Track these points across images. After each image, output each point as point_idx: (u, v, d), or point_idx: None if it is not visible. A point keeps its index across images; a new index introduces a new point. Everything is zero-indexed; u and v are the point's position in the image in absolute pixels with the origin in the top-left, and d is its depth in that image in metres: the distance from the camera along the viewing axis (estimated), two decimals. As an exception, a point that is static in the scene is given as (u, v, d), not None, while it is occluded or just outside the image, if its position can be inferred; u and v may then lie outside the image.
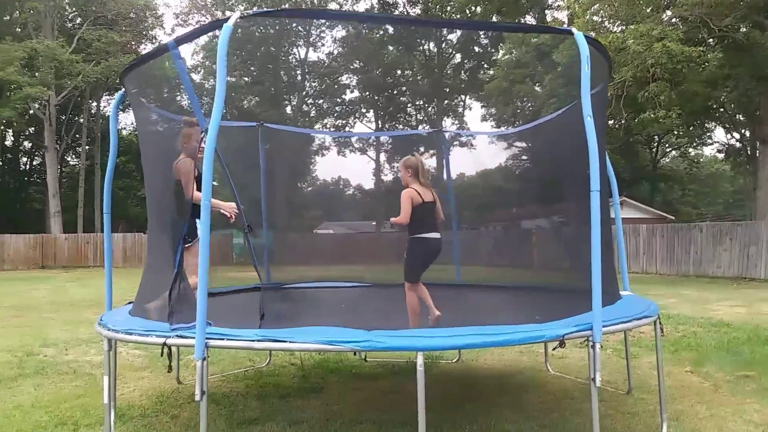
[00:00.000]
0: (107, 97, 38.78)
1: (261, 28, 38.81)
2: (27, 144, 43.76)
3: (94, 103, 39.11)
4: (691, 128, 29.66)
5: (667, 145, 43.20)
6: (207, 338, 3.16)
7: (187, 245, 4.17)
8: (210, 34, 3.14)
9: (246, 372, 6.15)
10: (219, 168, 4.71)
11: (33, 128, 38.56)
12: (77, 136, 38.95)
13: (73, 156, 43.83)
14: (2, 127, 35.11)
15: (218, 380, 5.88)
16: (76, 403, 5.00)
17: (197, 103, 4.20)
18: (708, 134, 36.15)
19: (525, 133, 9.91)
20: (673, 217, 33.93)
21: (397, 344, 3.13)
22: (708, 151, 48.40)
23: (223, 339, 3.19)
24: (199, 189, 4.15)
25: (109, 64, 31.36)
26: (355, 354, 5.80)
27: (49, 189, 32.69)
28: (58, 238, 29.11)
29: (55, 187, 32.73)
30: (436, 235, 4.98)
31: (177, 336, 3.31)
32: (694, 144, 40.11)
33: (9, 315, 10.77)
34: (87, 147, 38.05)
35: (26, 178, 44.94)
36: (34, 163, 44.35)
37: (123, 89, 4.63)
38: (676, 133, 32.89)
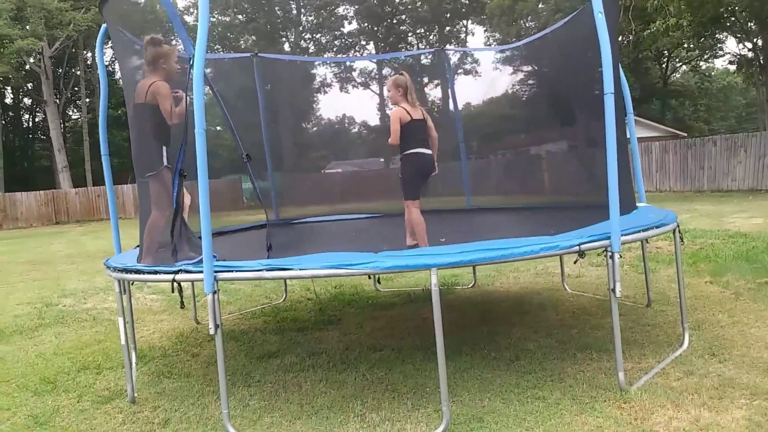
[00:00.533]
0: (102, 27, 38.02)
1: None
2: (27, 100, 43.38)
3: (89, 54, 38.40)
4: (701, 40, 28.67)
5: (677, 60, 41.99)
6: (215, 271, 3.08)
7: (151, 174, 3.94)
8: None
9: (263, 309, 6.16)
10: (214, 101, 4.49)
11: (31, 84, 38.08)
12: (76, 89, 38.50)
13: (75, 110, 43.47)
14: (0, 84, 34.65)
15: (236, 318, 5.89)
16: (97, 348, 5.04)
17: (181, 26, 3.98)
18: (719, 45, 34.97)
19: (530, 55, 9.53)
20: (684, 134, 33.36)
21: (406, 263, 3.04)
22: (719, 63, 47.10)
23: (231, 271, 3.11)
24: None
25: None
26: (369, 278, 5.77)
27: (54, 144, 32.54)
28: (68, 193, 29.18)
29: (60, 142, 32.56)
30: (427, 150, 4.81)
31: (185, 271, 3.23)
32: (705, 57, 38.91)
33: (26, 269, 10.86)
34: (87, 99, 37.62)
35: (30, 135, 44.77)
36: (37, 119, 44.09)
37: (105, 23, 4.40)
38: (686, 46, 31.86)
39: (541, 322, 4.91)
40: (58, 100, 34.93)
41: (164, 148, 3.93)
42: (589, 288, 6.03)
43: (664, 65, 41.15)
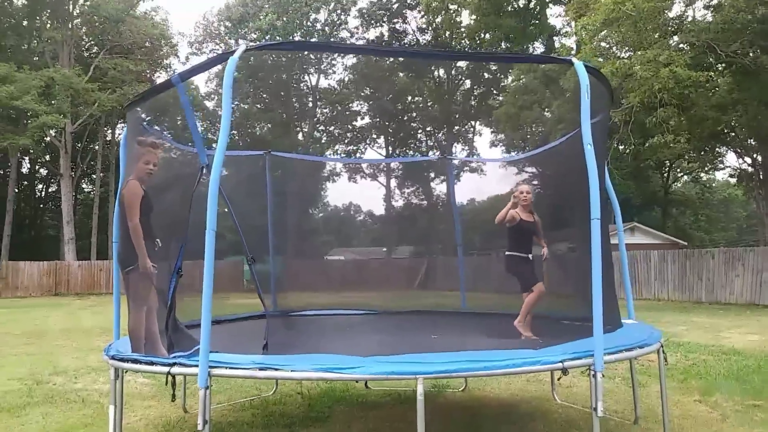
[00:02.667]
0: (122, 124, 39.44)
1: (273, 55, 39.42)
2: (43, 171, 44.50)
3: (110, 131, 39.78)
4: (702, 153, 29.55)
5: (678, 170, 43.03)
6: (210, 366, 3.19)
7: (128, 269, 4.03)
8: (236, 60, 3.19)
9: (252, 401, 6.15)
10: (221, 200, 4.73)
11: (49, 156, 39.23)
12: (92, 163, 39.59)
13: (88, 183, 44.47)
14: (19, 155, 35.68)
15: (225, 409, 5.89)
16: None
17: (199, 137, 4.29)
18: (719, 159, 35.94)
19: (534, 159, 9.98)
20: (685, 243, 33.68)
21: (392, 370, 3.15)
22: (720, 175, 48.17)
23: (225, 367, 3.23)
24: (143, 215, 4.03)
25: (124, 92, 31.95)
26: (357, 382, 5.85)
27: (63, 216, 33.09)
28: (71, 265, 29.36)
29: (70, 214, 33.13)
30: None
31: (180, 364, 3.35)
32: (706, 169, 39.88)
33: (21, 342, 10.86)
34: (102, 174, 38.60)
35: (41, 205, 45.58)
36: (50, 190, 45.05)
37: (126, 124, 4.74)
38: (687, 157, 32.79)
39: (528, 433, 4.91)
40: (73, 173, 35.85)
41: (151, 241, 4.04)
42: (580, 399, 6.03)
43: (665, 174, 42.13)
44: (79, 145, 37.47)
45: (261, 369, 3.17)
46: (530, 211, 5.83)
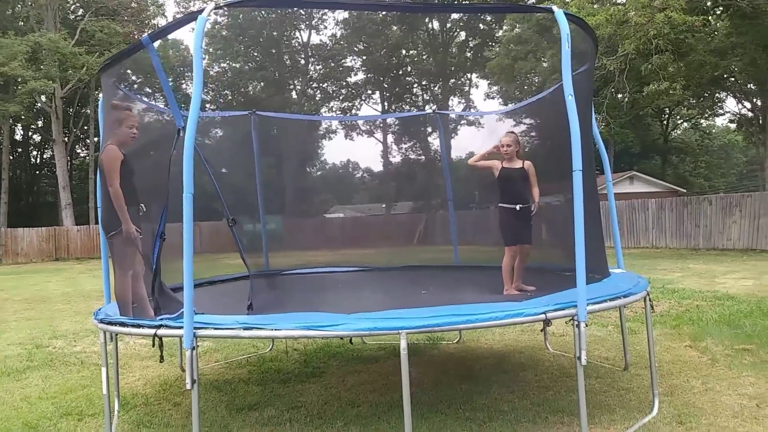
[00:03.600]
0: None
1: (262, 12, 38.65)
2: (36, 137, 44.18)
3: (100, 94, 39.27)
4: (701, 99, 29.27)
5: (677, 117, 42.70)
6: (195, 327, 3.21)
7: (112, 233, 4.01)
8: (212, 20, 3.10)
9: (248, 359, 6.24)
10: (199, 162, 4.65)
11: (41, 121, 38.85)
12: (85, 127, 39.25)
13: (83, 148, 44.21)
14: (11, 122, 35.35)
15: (222, 367, 5.98)
16: (81, 393, 5.12)
17: (173, 99, 4.21)
18: (719, 104, 35.64)
19: (528, 110, 9.86)
20: (684, 191, 33.67)
21: (374, 326, 3.17)
22: (720, 121, 47.84)
23: (209, 328, 3.25)
24: (125, 180, 3.98)
25: (112, 54, 31.36)
26: (342, 339, 5.93)
27: (59, 181, 32.99)
28: (70, 230, 29.43)
29: (66, 179, 33.02)
30: None
31: (167, 326, 3.37)
32: (705, 115, 39.60)
33: (22, 307, 10.96)
34: (96, 139, 38.27)
35: (37, 172, 45.43)
36: (45, 156, 44.82)
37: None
38: (686, 104, 32.47)
39: (519, 383, 4.98)
40: (66, 139, 35.58)
41: (135, 207, 4.01)
42: (571, 348, 6.08)
43: (665, 122, 41.82)
44: (70, 110, 37.05)
45: (245, 329, 3.20)
46: (519, 158, 5.66)
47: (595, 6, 18.44)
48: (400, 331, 3.06)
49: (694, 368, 5.15)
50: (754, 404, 4.18)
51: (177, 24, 3.76)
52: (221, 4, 3.63)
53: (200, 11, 3.32)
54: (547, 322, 3.40)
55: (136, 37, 34.91)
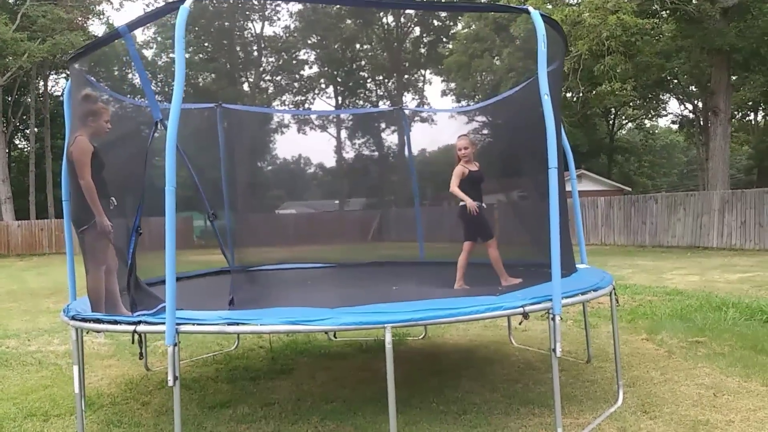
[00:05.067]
0: (55, 76, 37.60)
1: (214, 2, 37.89)
2: (-28, 127, 42.11)
3: (42, 83, 37.76)
4: (646, 100, 30.33)
5: (623, 118, 44.09)
6: (177, 323, 3.17)
7: (83, 228, 3.93)
8: (188, 10, 3.03)
9: (215, 356, 6.16)
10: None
11: (-22, 110, 37.07)
12: (25, 117, 37.62)
13: (22, 139, 42.40)
14: (-55, 111, 33.61)
15: (187, 365, 5.88)
16: (43, 393, 4.96)
17: (151, 90, 4.12)
18: (663, 105, 37.04)
19: (487, 108, 10.02)
20: (629, 189, 34.83)
21: (360, 320, 3.19)
22: (663, 122, 49.67)
23: (192, 324, 3.21)
24: (96, 173, 3.92)
25: (55, 41, 30.15)
26: (326, 333, 5.94)
27: (-2, 174, 31.59)
28: (10, 226, 28.23)
29: (5, 172, 31.60)
30: None
31: (146, 323, 3.31)
32: (650, 116, 41.05)
33: (-36, 306, 10.49)
34: (36, 129, 36.81)
35: (-27, 163, 43.30)
36: (-19, 146, 42.76)
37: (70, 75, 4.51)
38: (631, 105, 33.60)
39: (488, 376, 5.10)
40: (5, 129, 34.04)
41: (106, 200, 3.94)
42: (535, 342, 6.28)
43: (611, 122, 43.10)
44: (9, 98, 35.46)
45: (229, 324, 3.17)
46: (473, 161, 5.85)
47: (549, 6, 18.86)
48: (386, 325, 3.09)
49: (652, 360, 5.37)
50: (711, 393, 4.40)
51: (157, 14, 3.68)
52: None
53: (182, 1, 3.25)
54: (525, 316, 3.49)
55: (80, 23, 33.73)
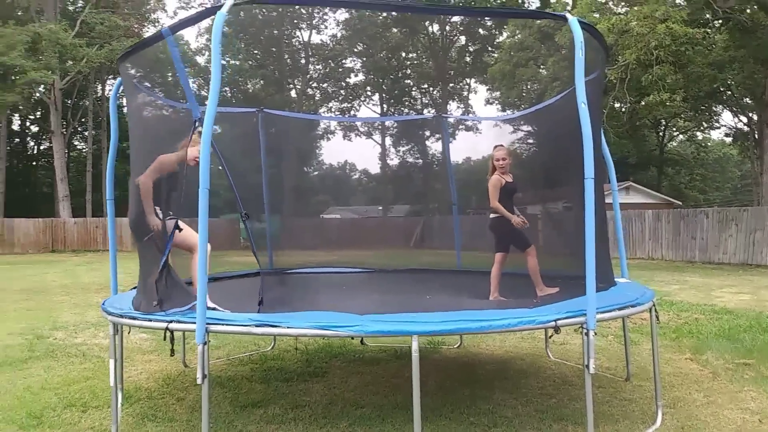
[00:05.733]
0: (112, 80, 38.82)
1: (264, 10, 38.60)
2: (34, 128, 43.98)
3: (99, 87, 39.17)
4: (698, 112, 29.45)
5: (674, 129, 42.91)
6: (207, 323, 3.23)
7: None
8: (225, 15, 3.14)
9: (250, 356, 6.25)
10: (215, 157, 4.67)
11: (39, 112, 38.67)
12: (83, 120, 39.10)
13: (81, 140, 44.02)
14: (8, 112, 35.18)
15: (223, 364, 5.98)
16: (84, 385, 5.11)
17: (190, 91, 4.22)
18: (715, 118, 35.86)
19: (528, 117, 9.91)
20: (680, 203, 33.83)
21: (388, 329, 3.19)
22: (716, 135, 48.15)
23: (222, 324, 3.26)
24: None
25: (112, 47, 31.29)
26: (352, 339, 5.97)
27: (57, 173, 32.86)
28: (67, 222, 29.34)
29: (63, 171, 32.89)
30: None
31: (178, 321, 3.38)
32: (702, 128, 39.83)
33: (21, 298, 10.93)
34: (93, 131, 38.19)
35: (34, 162, 45.18)
36: (42, 147, 44.60)
37: (120, 77, 4.67)
38: (683, 116, 32.67)
39: (522, 389, 5.01)
40: (64, 131, 35.44)
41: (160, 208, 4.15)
42: (573, 356, 6.14)
43: (661, 134, 42.01)
44: (69, 101, 36.91)
45: (258, 325, 3.21)
46: (508, 172, 5.84)
47: (596, 15, 18.55)
48: (412, 335, 3.07)
49: (695, 381, 5.19)
50: (756, 419, 4.22)
51: (196, 18, 3.80)
52: (239, 1, 3.65)
53: (220, 6, 3.34)
54: (556, 330, 3.42)
55: (136, 30, 34.89)
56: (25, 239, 27.68)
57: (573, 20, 3.67)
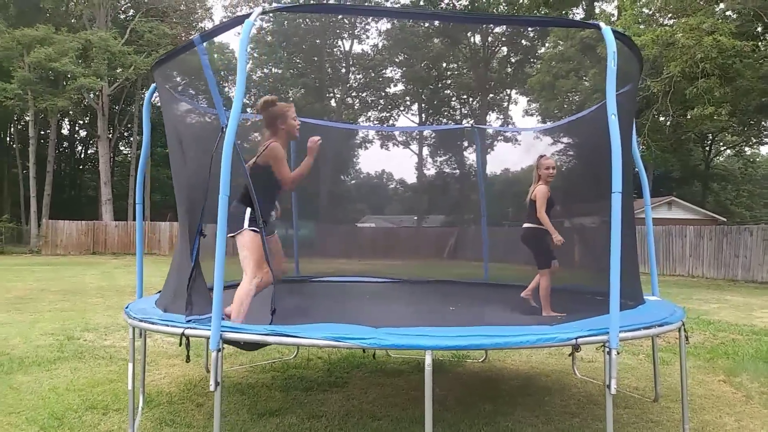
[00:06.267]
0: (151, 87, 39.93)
1: (306, 20, 39.13)
2: (82, 133, 45.45)
3: (146, 92, 40.24)
4: (746, 127, 28.57)
5: (721, 144, 41.72)
6: (222, 331, 3.23)
7: (234, 234, 4.11)
8: (257, 26, 3.18)
9: (273, 364, 6.26)
10: (238, 164, 4.69)
11: (87, 117, 39.91)
12: (129, 125, 40.21)
13: (125, 145, 45.29)
14: (59, 116, 36.42)
15: (246, 371, 6.00)
16: (108, 387, 5.19)
17: (218, 98, 4.26)
18: (765, 132, 34.72)
19: (568, 129, 9.74)
20: (724, 219, 32.81)
21: (402, 342, 3.14)
22: (765, 150, 46.60)
23: (236, 332, 3.26)
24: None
25: (160, 55, 32.09)
26: (364, 352, 5.92)
27: (101, 177, 33.84)
28: (108, 225, 30.13)
29: (107, 175, 33.86)
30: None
31: (195, 327, 3.40)
32: (750, 143, 38.62)
33: (57, 299, 11.23)
34: (138, 137, 39.18)
35: (80, 166, 46.67)
36: (89, 151, 46.06)
37: (155, 83, 4.75)
38: (730, 131, 31.73)
39: (544, 407, 4.88)
40: (110, 135, 36.51)
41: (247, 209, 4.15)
42: (600, 374, 5.95)
43: (707, 148, 40.89)
44: (116, 107, 38.04)
45: (272, 335, 3.20)
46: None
47: (641, 27, 18.18)
48: (426, 350, 3.01)
49: (727, 404, 4.98)
50: (790, 447, 4.02)
51: (225, 26, 3.84)
52: (267, 10, 3.67)
53: (247, 15, 3.37)
54: (576, 348, 3.31)
55: (183, 39, 35.76)
56: (68, 241, 28.52)
57: (606, 29, 3.58)
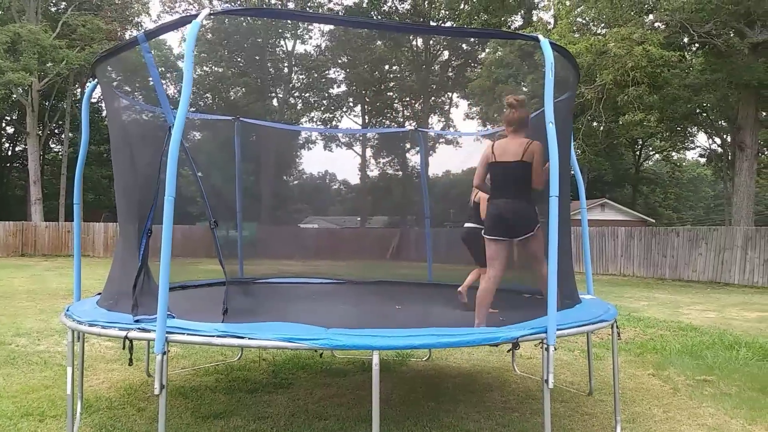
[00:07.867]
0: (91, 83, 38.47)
1: (248, 19, 38.57)
2: (9, 129, 43.32)
3: (78, 90, 38.71)
4: (673, 133, 30.00)
5: (650, 149, 43.67)
6: (167, 332, 3.20)
7: (530, 233, 4.36)
8: (199, 24, 3.12)
9: (217, 366, 6.19)
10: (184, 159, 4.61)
11: (16, 113, 38.10)
12: (60, 122, 38.59)
13: (57, 143, 43.43)
14: (-17, 112, 34.65)
15: (189, 374, 5.92)
16: (43, 393, 5.02)
17: (164, 96, 4.21)
18: (690, 139, 36.59)
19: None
20: (653, 221, 34.38)
21: (353, 343, 3.20)
22: (690, 155, 49.09)
23: (183, 333, 3.24)
24: None
25: (93, 50, 30.92)
26: (316, 351, 5.94)
27: (30, 176, 32.35)
28: (38, 226, 28.83)
29: (37, 174, 32.39)
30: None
31: (138, 329, 3.35)
32: (677, 148, 40.59)
33: (-17, 303, 10.70)
34: (70, 134, 37.68)
35: (8, 164, 44.48)
36: (17, 149, 43.94)
37: (95, 79, 4.64)
38: (659, 136, 33.26)
39: (486, 403, 5.04)
40: (40, 132, 34.94)
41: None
42: (538, 370, 6.18)
43: (637, 152, 42.71)
44: (46, 103, 36.44)
45: (219, 336, 3.19)
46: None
47: (576, 35, 18.86)
48: (374, 351, 3.08)
49: (656, 397, 5.26)
50: (712, 434, 4.29)
51: (171, 26, 3.80)
52: (215, 12, 3.66)
53: (195, 15, 3.36)
54: (515, 345, 3.46)
55: (119, 34, 34.63)
56: (-5, 242, 27.16)
57: (544, 42, 3.76)
